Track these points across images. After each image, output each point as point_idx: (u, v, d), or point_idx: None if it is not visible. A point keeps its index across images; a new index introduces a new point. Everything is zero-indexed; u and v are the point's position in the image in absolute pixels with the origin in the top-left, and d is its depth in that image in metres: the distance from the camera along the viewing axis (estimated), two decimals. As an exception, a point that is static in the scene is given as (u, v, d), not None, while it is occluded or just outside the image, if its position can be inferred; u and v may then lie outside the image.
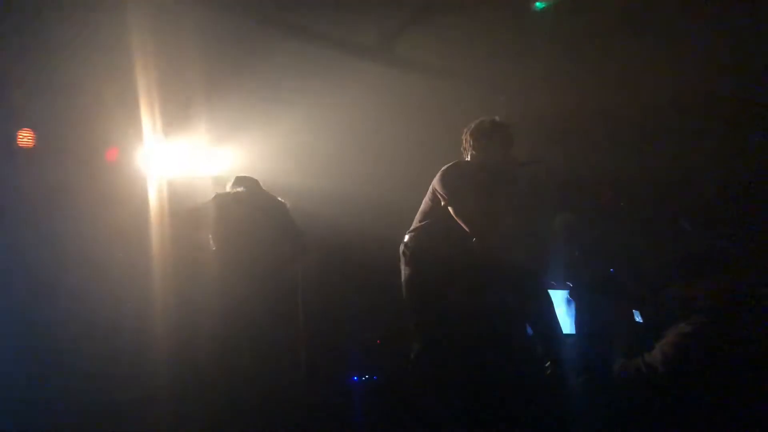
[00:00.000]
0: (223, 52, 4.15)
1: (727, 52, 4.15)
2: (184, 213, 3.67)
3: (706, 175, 4.43)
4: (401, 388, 3.54)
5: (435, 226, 3.20)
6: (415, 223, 3.30)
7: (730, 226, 3.78)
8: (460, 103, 4.49)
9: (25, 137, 3.79)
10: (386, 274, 3.53)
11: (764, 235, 3.53)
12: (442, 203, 3.14)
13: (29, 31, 3.65)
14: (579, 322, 3.95)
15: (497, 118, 3.27)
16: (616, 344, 2.94)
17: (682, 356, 2.63)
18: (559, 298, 4.08)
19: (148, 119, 3.93)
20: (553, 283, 3.73)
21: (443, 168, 3.20)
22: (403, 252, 3.27)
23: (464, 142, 3.30)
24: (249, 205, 3.61)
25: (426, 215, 3.25)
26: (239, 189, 3.69)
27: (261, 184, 3.77)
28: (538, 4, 4.22)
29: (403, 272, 3.27)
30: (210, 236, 3.57)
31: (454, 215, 3.10)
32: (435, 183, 3.20)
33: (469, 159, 3.29)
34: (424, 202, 3.28)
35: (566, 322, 4.03)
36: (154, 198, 3.98)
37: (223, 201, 3.59)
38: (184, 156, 4.25)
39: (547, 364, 3.19)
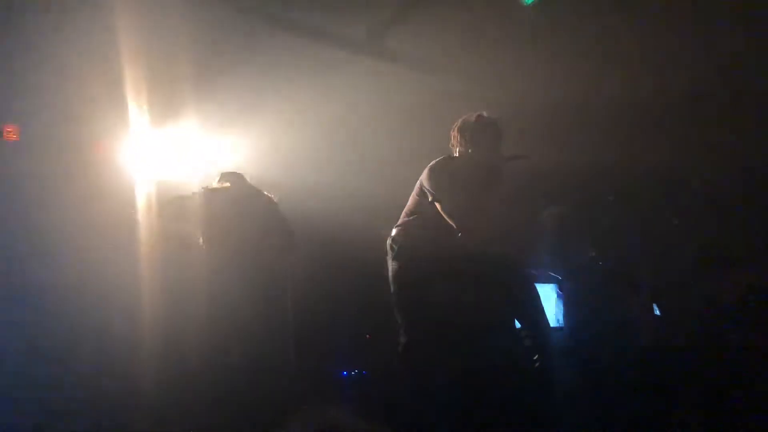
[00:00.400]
0: (212, 45, 4.11)
1: (723, 45, 4.17)
2: (170, 203, 3.63)
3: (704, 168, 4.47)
4: (389, 382, 3.56)
5: (422, 221, 3.21)
6: (402, 218, 3.31)
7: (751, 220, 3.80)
8: (449, 98, 4.48)
9: (9, 132, 3.76)
10: (374, 268, 3.53)
11: None
12: (429, 198, 3.14)
13: (13, 23, 3.60)
14: (567, 315, 3.98)
15: (485, 113, 3.27)
16: (638, 337, 2.91)
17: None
18: (546, 291, 4.10)
19: (136, 113, 3.90)
20: (539, 273, 3.75)
21: (431, 163, 3.20)
22: (391, 246, 3.27)
23: (452, 138, 3.30)
24: (237, 200, 3.59)
25: (413, 210, 3.26)
26: (225, 184, 3.67)
27: (247, 178, 3.75)
28: (526, -1, 4.21)
29: (390, 267, 3.28)
30: (197, 230, 3.55)
31: (440, 211, 3.10)
32: (422, 178, 3.20)
33: (457, 155, 3.28)
34: (411, 197, 3.29)
35: (554, 316, 4.06)
36: (142, 192, 3.95)
37: (210, 195, 3.56)
38: (172, 150, 4.22)
39: (534, 357, 3.19)
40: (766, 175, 4.32)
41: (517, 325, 3.42)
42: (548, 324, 3.39)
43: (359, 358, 4.42)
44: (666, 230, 4.13)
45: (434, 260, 3.15)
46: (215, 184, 3.69)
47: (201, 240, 3.56)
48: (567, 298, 4.03)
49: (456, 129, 3.29)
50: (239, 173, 3.73)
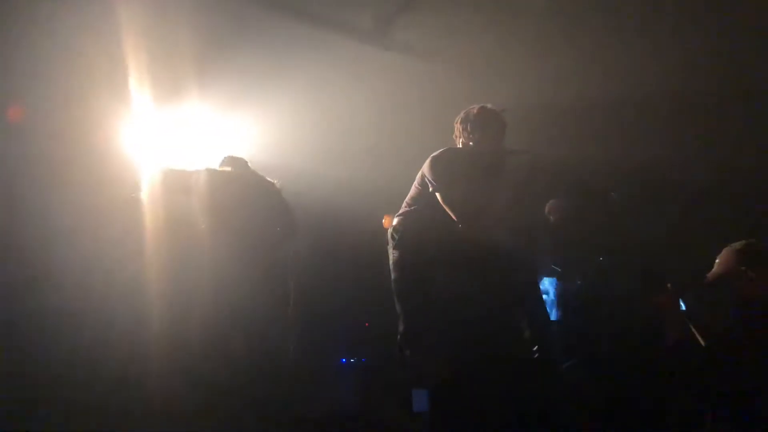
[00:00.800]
0: (214, 30, 4.09)
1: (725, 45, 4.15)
2: (173, 173, 3.59)
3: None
4: (389, 370, 3.57)
5: (423, 211, 3.20)
6: (403, 207, 3.31)
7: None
8: (454, 88, 4.46)
9: (13, 114, 3.75)
10: (375, 256, 3.53)
11: None
12: (430, 189, 3.14)
13: (15, 6, 3.58)
14: (565, 307, 3.98)
15: (489, 105, 3.26)
16: (658, 332, 2.89)
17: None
18: (546, 284, 4.10)
19: (139, 97, 3.89)
20: (540, 266, 3.75)
21: (433, 154, 3.19)
22: (392, 235, 3.27)
23: (455, 129, 3.29)
24: (239, 185, 3.59)
25: (414, 200, 3.26)
26: (227, 168, 3.66)
27: (250, 164, 3.74)
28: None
29: (391, 255, 3.28)
30: (198, 212, 3.53)
31: (441, 202, 3.10)
32: (424, 168, 3.19)
33: (460, 146, 3.27)
34: (413, 186, 3.28)
35: (553, 308, 4.06)
36: (145, 175, 3.95)
37: (212, 177, 3.55)
38: (175, 134, 4.21)
39: (534, 348, 3.19)
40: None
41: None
42: (548, 315, 3.40)
43: (358, 345, 4.43)
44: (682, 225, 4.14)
45: (435, 249, 3.16)
46: (218, 168, 3.68)
47: (202, 224, 3.55)
48: (566, 291, 4.03)
49: (459, 120, 3.28)
50: (242, 158, 3.73)
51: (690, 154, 4.52)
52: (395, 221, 3.29)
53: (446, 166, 3.13)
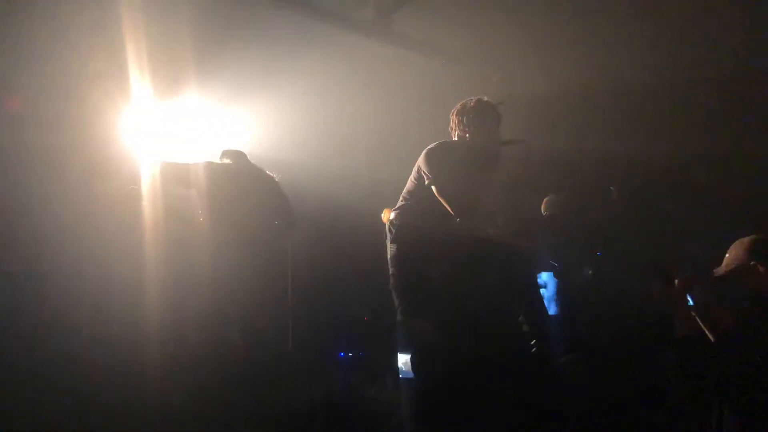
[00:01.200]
0: (215, 22, 4.07)
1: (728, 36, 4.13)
2: (172, 165, 3.59)
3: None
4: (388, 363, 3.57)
5: (420, 204, 3.20)
6: (400, 201, 3.31)
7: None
8: (453, 81, 4.45)
9: (12, 104, 3.74)
10: (373, 250, 3.53)
11: None
12: (426, 182, 3.13)
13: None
14: (564, 301, 3.98)
15: (485, 98, 3.25)
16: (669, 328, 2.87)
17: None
18: (544, 277, 4.10)
19: (138, 89, 3.88)
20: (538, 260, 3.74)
21: (428, 147, 3.18)
22: (389, 229, 3.27)
23: (451, 122, 3.28)
24: (238, 177, 3.58)
25: (411, 193, 3.26)
26: (227, 161, 3.66)
27: (249, 157, 3.74)
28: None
29: (389, 249, 3.28)
30: (197, 202, 3.53)
31: (437, 194, 3.09)
32: (420, 161, 3.19)
33: (455, 139, 3.27)
34: (409, 180, 3.28)
35: (552, 303, 4.06)
36: (144, 168, 3.94)
37: (211, 170, 3.54)
38: (174, 127, 4.20)
39: (533, 342, 3.20)
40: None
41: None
42: (546, 310, 3.40)
43: (357, 339, 4.44)
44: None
45: (432, 242, 3.15)
46: (217, 161, 3.67)
47: (201, 216, 3.55)
48: (564, 285, 4.03)
49: (455, 113, 3.27)
50: (241, 151, 3.72)
51: (695, 146, 4.50)
52: (392, 215, 3.28)
53: (441, 158, 3.13)
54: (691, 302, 2.75)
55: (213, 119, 4.45)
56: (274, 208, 3.67)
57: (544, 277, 4.18)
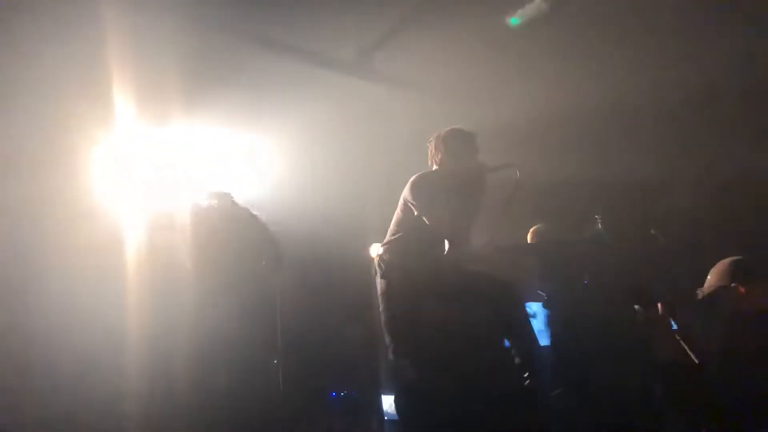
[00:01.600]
0: (200, 63, 4.12)
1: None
2: (159, 215, 3.59)
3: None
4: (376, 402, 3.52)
5: (408, 237, 3.20)
6: (388, 236, 3.30)
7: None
8: (434, 115, 4.51)
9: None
10: (362, 287, 3.51)
11: None
12: (415, 213, 3.14)
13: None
14: (555, 333, 3.97)
15: (458, 126, 3.30)
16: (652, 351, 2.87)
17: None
18: (535, 309, 4.10)
19: (122, 132, 3.90)
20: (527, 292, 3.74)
21: (412, 178, 3.20)
22: (379, 265, 3.26)
23: (430, 151, 3.32)
24: (224, 219, 3.59)
25: (399, 226, 3.25)
26: (213, 202, 3.66)
27: (234, 197, 3.75)
28: (513, 19, 4.29)
29: (378, 285, 3.26)
30: (185, 251, 3.52)
31: (427, 222, 3.10)
32: (405, 194, 3.20)
33: (436, 167, 3.30)
34: (395, 214, 3.28)
35: (543, 334, 4.05)
36: (130, 209, 3.92)
37: (196, 217, 3.55)
38: (160, 165, 4.21)
39: (524, 375, 3.17)
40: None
41: (507, 343, 3.40)
42: (538, 342, 3.37)
43: (348, 378, 4.37)
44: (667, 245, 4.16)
45: (422, 277, 3.15)
46: (202, 203, 3.68)
47: (188, 263, 3.54)
48: (554, 316, 4.03)
49: (432, 143, 3.31)
50: (226, 192, 3.73)
51: (676, 168, 4.57)
52: (381, 250, 3.28)
53: (426, 188, 3.15)
54: (674, 326, 2.77)
55: (198, 159, 4.47)
56: (260, 248, 3.66)
57: (534, 307, 4.18)
